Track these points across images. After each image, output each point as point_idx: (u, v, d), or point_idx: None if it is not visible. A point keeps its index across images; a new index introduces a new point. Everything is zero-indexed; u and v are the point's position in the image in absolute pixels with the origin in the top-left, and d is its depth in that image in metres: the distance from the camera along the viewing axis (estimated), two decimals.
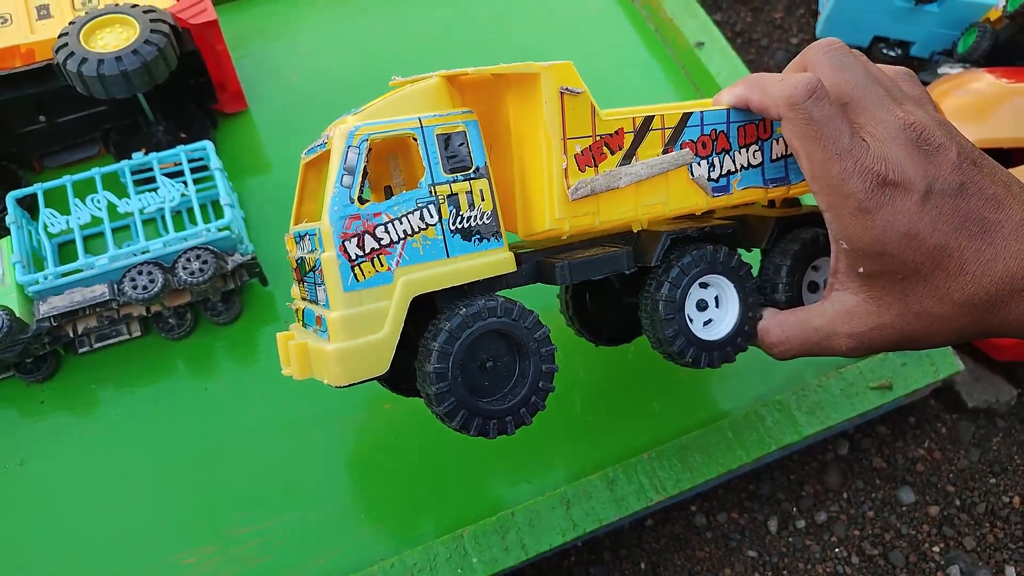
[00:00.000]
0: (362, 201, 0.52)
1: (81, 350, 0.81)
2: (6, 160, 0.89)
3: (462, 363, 0.53)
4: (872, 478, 0.87)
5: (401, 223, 0.52)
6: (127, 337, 0.81)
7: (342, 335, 0.51)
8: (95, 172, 0.82)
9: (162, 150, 0.89)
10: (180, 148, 0.83)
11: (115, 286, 0.76)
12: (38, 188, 0.80)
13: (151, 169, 0.85)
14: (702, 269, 0.59)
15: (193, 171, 0.86)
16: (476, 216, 0.54)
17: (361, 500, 0.76)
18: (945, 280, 0.50)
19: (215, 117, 0.95)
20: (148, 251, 0.77)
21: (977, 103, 0.96)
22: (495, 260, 0.55)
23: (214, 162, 0.82)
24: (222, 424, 0.79)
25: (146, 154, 0.89)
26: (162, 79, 0.80)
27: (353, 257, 0.51)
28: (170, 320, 0.81)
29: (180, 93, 0.89)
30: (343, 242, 0.51)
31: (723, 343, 0.60)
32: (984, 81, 0.98)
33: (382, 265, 0.52)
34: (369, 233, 0.51)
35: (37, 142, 0.90)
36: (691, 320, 0.60)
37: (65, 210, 0.79)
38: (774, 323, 0.59)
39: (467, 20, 1.08)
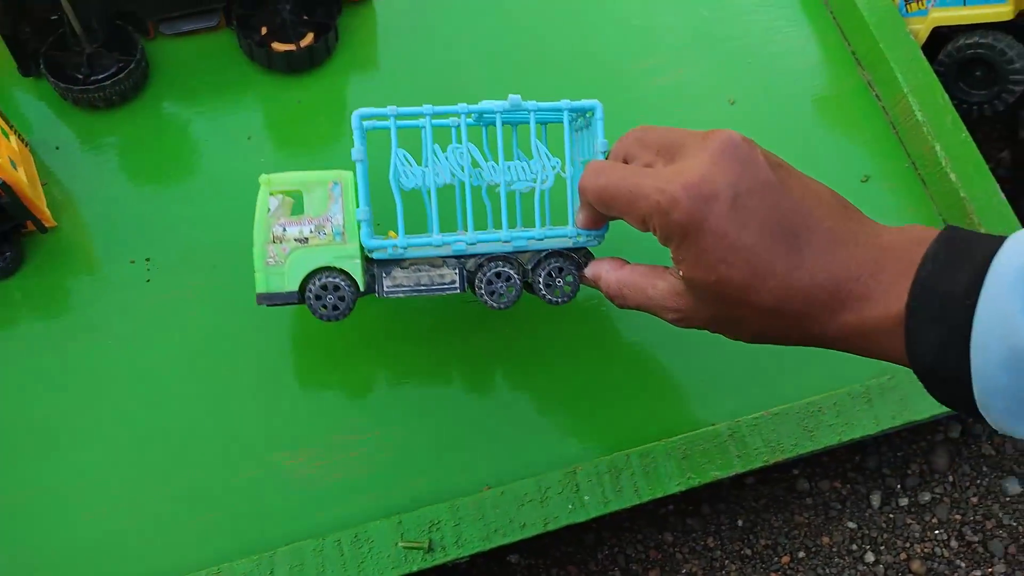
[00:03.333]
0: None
1: None
2: (121, 20, 0.84)
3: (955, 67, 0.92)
4: (979, 464, 0.84)
5: None
6: None
7: None
8: (461, 108, 0.62)
9: (287, 31, 0.83)
10: (564, 102, 0.63)
11: (464, 275, 0.64)
12: (391, 112, 0.62)
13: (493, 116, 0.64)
14: None
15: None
16: None
17: (473, 421, 0.73)
18: (753, 280, 0.52)
19: (340, 2, 0.89)
20: (509, 242, 0.63)
21: None
22: (996, 11, 0.87)
23: (600, 132, 0.63)
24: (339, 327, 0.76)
25: (265, 33, 0.84)
26: None
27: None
28: None
29: None
30: (905, 4, 0.92)
31: None
32: None
33: (922, 6, 0.91)
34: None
35: (155, 4, 0.84)
36: None
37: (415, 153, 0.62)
38: (614, 277, 0.62)
39: None
